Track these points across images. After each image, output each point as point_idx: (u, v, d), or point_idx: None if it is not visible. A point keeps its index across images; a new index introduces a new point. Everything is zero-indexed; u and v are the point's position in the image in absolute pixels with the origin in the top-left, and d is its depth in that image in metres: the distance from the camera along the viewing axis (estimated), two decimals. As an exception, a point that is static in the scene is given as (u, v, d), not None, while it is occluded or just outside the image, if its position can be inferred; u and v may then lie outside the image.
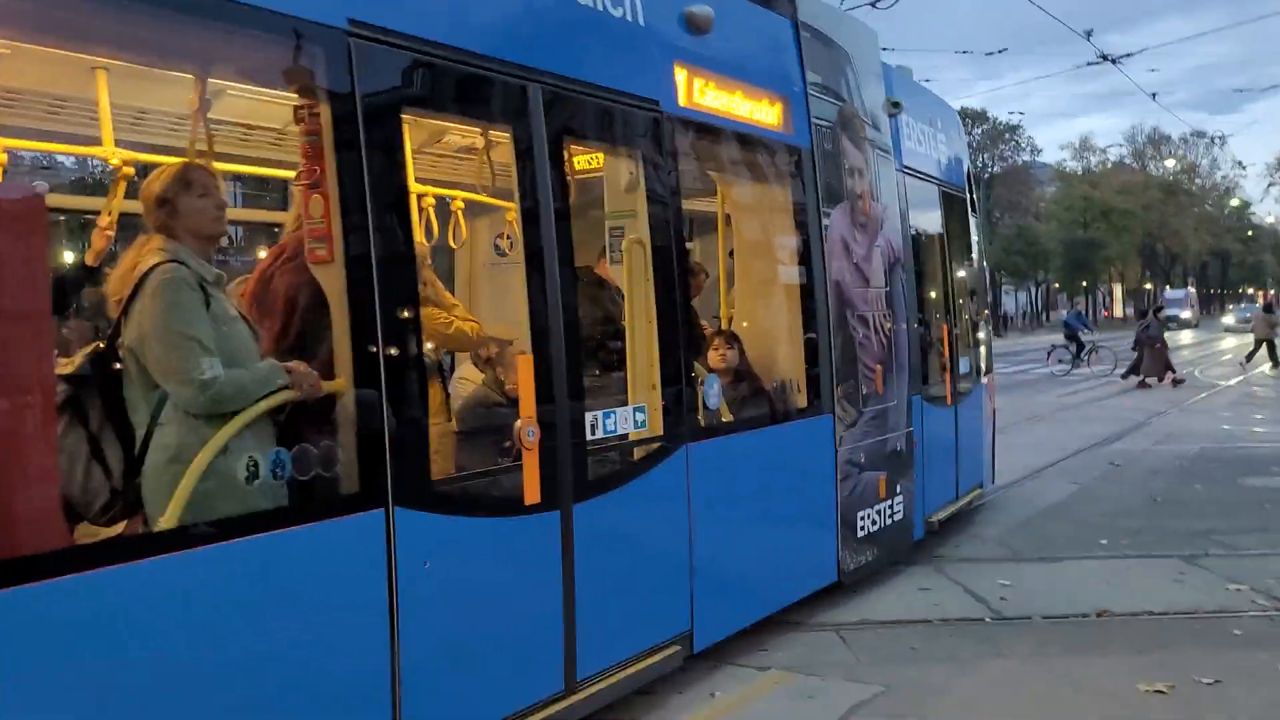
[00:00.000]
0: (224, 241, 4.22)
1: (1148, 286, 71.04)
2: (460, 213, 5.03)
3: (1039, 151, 76.34)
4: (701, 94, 5.37)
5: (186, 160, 3.75)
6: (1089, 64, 17.96)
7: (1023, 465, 11.80)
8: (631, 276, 4.92)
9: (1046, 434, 15.01)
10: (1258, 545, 7.80)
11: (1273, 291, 73.01)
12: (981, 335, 9.34)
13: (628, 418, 4.68)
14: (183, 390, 3.19)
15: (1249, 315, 21.55)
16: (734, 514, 5.39)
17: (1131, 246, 74.04)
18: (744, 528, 5.48)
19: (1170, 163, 77.34)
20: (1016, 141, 73.37)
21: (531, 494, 4.10)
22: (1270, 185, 67.61)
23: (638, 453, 4.78)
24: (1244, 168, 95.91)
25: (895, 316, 7.09)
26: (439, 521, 3.72)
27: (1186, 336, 45.67)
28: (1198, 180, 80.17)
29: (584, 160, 5.61)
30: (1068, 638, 5.79)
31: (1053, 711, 4.75)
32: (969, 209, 9.17)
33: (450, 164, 5.62)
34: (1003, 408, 18.35)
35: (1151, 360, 22.79)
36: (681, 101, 5.20)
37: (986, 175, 68.21)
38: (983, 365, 9.29)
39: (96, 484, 3.23)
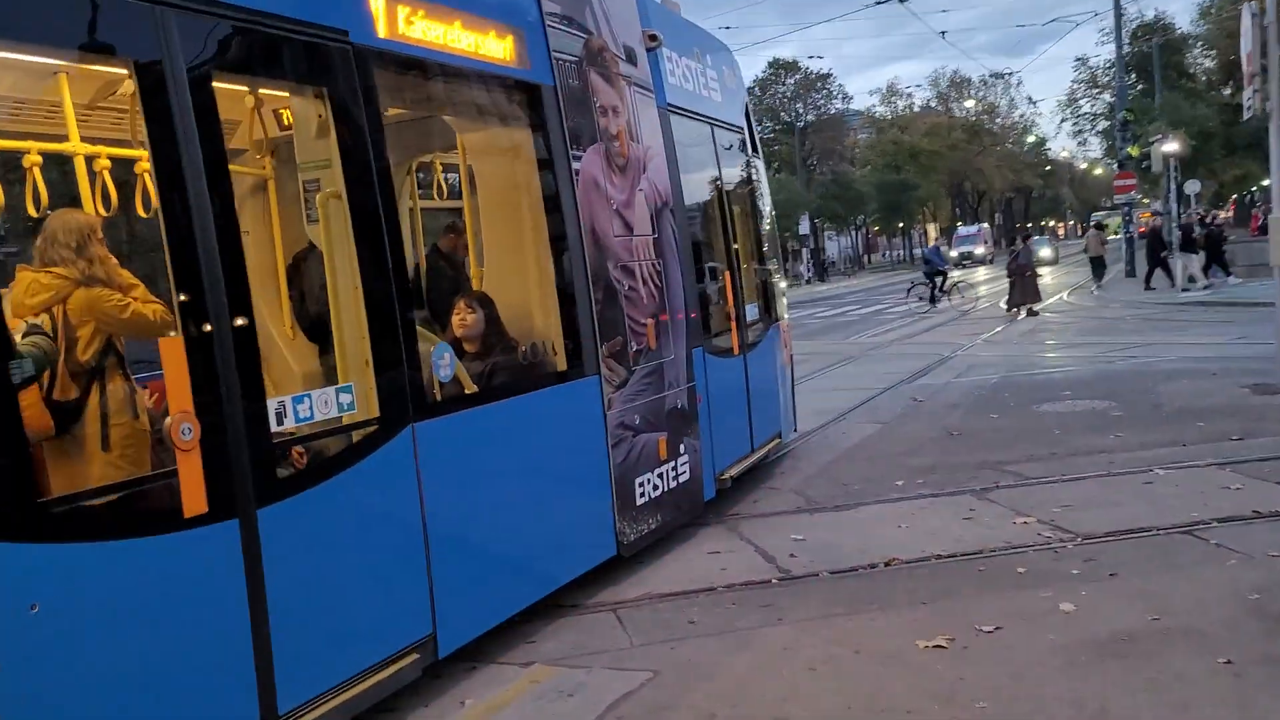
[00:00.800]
0: None
1: (959, 225, 73.45)
2: (107, 173, 4.22)
3: (850, 99, 77.93)
4: (407, 24, 4.69)
5: None
6: (878, 2, 17.86)
7: (830, 408, 11.71)
8: (330, 236, 4.24)
9: (855, 374, 15.06)
10: (1046, 473, 7.75)
11: (1072, 222, 77.19)
12: (771, 280, 9.00)
13: (328, 401, 4.01)
14: None
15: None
16: (482, 496, 4.81)
17: (940, 186, 76.71)
18: (495, 510, 4.91)
19: (970, 104, 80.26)
20: (828, 90, 74.77)
21: (194, 504, 3.39)
22: (1062, 121, 70.82)
23: (344, 440, 4.12)
24: (1035, 104, 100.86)
25: (667, 265, 6.61)
26: (51, 553, 2.98)
27: (982, 273, 47.10)
28: (997, 120, 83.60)
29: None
30: (853, 594, 5.48)
31: (829, 683, 4.38)
32: (749, 148, 8.78)
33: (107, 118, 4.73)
34: (816, 351, 18.72)
35: (1023, 289, 23.24)
36: (381, 33, 4.50)
37: (801, 124, 69.42)
38: (775, 311, 8.96)
39: None
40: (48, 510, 3.13)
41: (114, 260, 4.35)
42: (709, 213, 7.86)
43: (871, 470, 8.40)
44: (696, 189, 7.58)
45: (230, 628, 3.52)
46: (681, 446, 6.61)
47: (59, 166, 4.44)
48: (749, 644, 4.88)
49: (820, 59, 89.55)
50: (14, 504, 2.93)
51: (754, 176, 8.89)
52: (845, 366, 16.23)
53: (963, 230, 67.17)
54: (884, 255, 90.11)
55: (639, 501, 6.07)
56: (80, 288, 4.00)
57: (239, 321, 3.61)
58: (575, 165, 5.76)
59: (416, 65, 4.85)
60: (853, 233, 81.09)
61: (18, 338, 3.58)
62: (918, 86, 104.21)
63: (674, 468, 6.50)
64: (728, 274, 7.78)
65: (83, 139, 4.29)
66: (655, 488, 6.26)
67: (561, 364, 5.58)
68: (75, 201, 4.36)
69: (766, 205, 9.29)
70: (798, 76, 71.79)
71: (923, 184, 71.54)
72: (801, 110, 71.86)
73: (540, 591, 5.22)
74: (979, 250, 59.96)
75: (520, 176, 5.65)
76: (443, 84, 5.23)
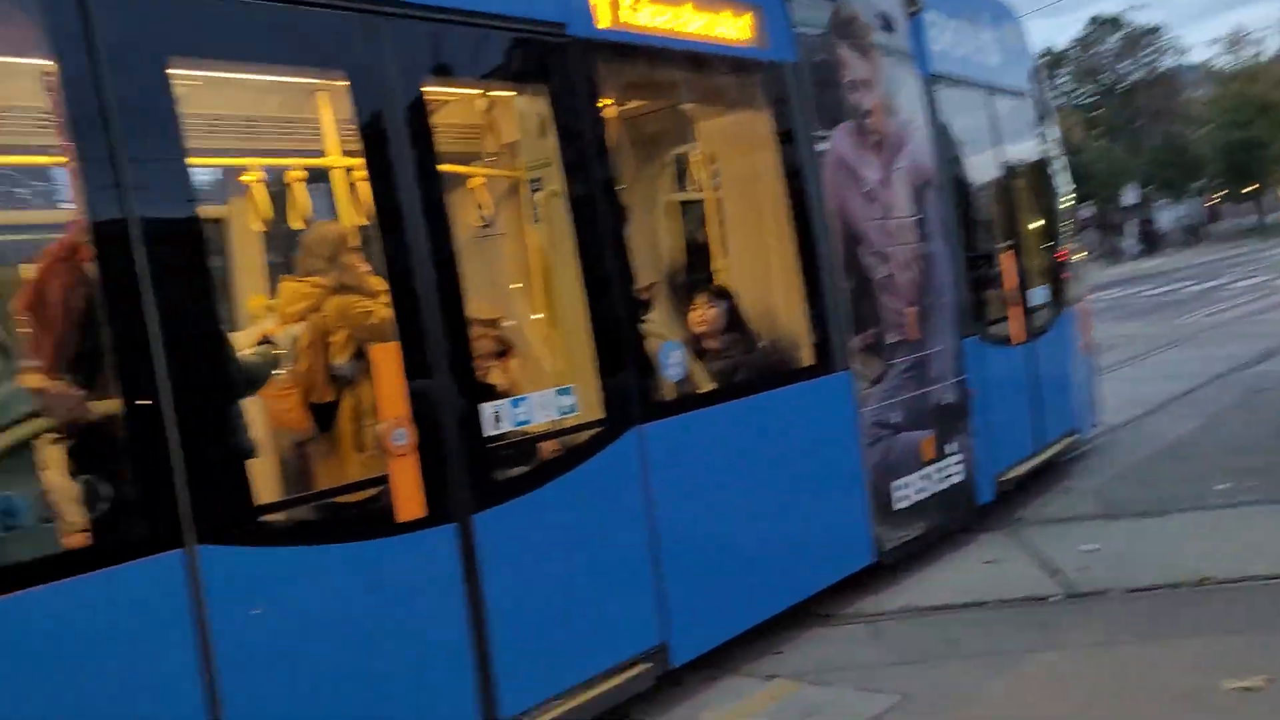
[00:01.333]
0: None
1: None
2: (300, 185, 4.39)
3: (1184, 53, 70.54)
4: (632, 11, 4.53)
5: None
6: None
7: (1145, 399, 10.50)
8: (553, 235, 4.17)
9: (1180, 360, 13.47)
10: None
11: None
12: (1064, 258, 8.13)
13: (548, 403, 3.93)
14: None
15: None
16: (717, 500, 4.59)
17: (1298, 143, 67.99)
18: (733, 515, 4.68)
19: (1336, 46, 70.42)
20: (1158, 45, 68.14)
21: (409, 508, 3.41)
22: None
23: (566, 443, 4.03)
24: None
25: (931, 248, 6.09)
26: (271, 556, 3.07)
27: None
28: (1372, 61, 72.70)
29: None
30: (1148, 618, 4.77)
31: (1104, 723, 3.80)
32: (1037, 115, 7.97)
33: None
34: (1137, 334, 16.99)
35: None
36: (601, 23, 4.38)
37: (1125, 86, 63.67)
38: (1068, 293, 8.09)
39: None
40: (269, 516, 3.23)
41: (365, 268, 4.52)
42: (985, 188, 7.19)
43: (1187, 471, 7.37)
44: (970, 163, 6.95)
45: (449, 632, 3.52)
46: (950, 446, 6.07)
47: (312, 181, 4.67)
48: (1016, 669, 4.35)
49: (1145, 7, 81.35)
50: (241, 509, 3.05)
51: (1043, 146, 8.06)
52: (1170, 351, 14.58)
53: None
54: (1230, 223, 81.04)
55: (899, 505, 5.62)
56: (334, 295, 4.19)
57: (453, 323, 3.61)
58: (821, 146, 5.40)
59: (642, 54, 4.70)
60: (1191, 200, 73.54)
61: (251, 348, 3.77)
62: (1268, 29, 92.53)
63: (941, 469, 5.98)
64: (1009, 255, 7.08)
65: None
66: (919, 490, 5.78)
67: (807, 359, 5.25)
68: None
69: (1061, 176, 8.40)
70: (1122, 33, 65.86)
71: (1275, 141, 63.61)
72: (1127, 69, 65.88)
73: (785, 602, 4.93)
74: None
75: (762, 162, 5.35)
76: (674, 71, 5.04)
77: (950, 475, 6.05)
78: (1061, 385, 7.75)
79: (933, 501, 5.88)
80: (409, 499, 3.39)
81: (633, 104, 5.70)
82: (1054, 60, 66.98)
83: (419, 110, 3.64)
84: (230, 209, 4.83)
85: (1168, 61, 67.94)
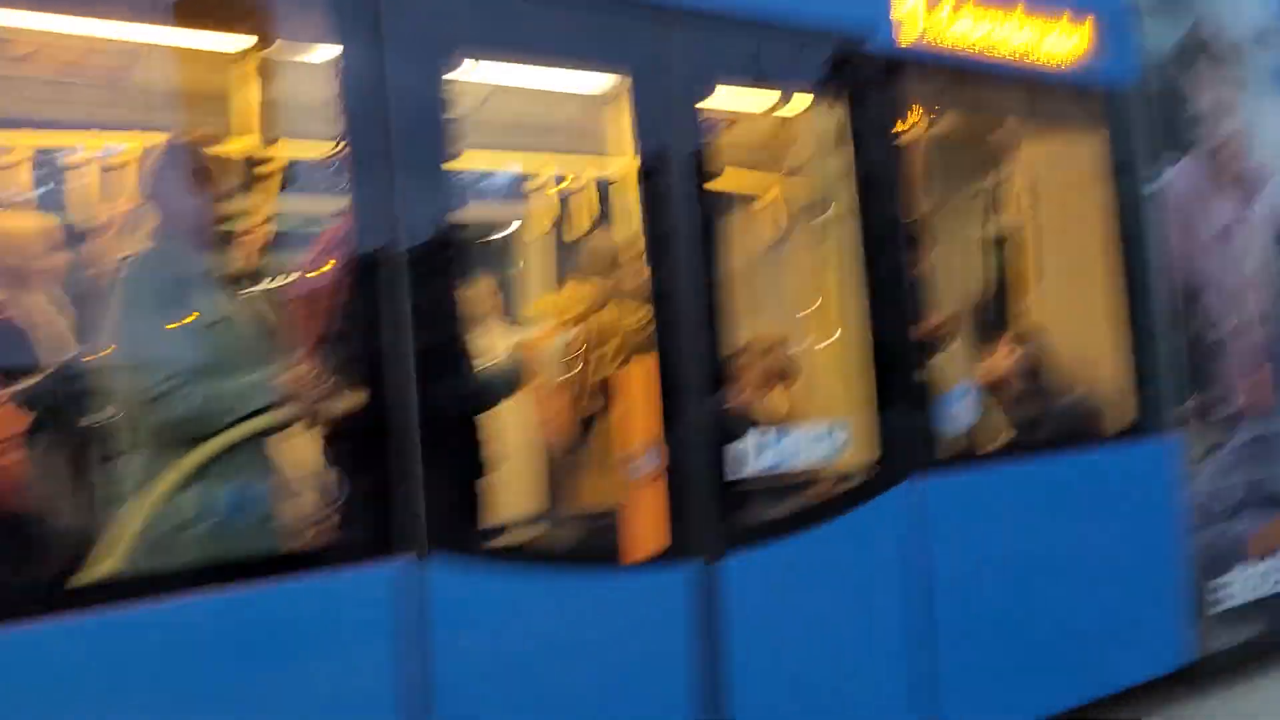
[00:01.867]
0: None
1: None
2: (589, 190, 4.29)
3: None
4: (944, 26, 4.13)
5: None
6: None
7: None
8: (837, 259, 3.85)
9: None
10: None
11: None
12: None
13: (817, 439, 3.59)
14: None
15: None
16: (1002, 570, 4.05)
17: None
18: (1012, 587, 4.10)
19: None
20: None
21: (647, 542, 3.17)
22: None
23: (835, 485, 3.67)
24: None
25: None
26: (499, 574, 2.93)
27: None
28: None
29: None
30: None
31: None
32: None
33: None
34: None
35: None
36: (906, 38, 4.00)
37: None
38: None
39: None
40: (503, 531, 3.11)
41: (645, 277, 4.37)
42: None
43: None
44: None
45: (675, 678, 3.24)
46: (1299, 539, 5.13)
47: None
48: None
49: None
50: (474, 522, 2.94)
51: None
52: None
53: None
54: None
55: (1226, 603, 4.78)
56: (610, 302, 4.08)
57: (721, 344, 3.36)
58: (1162, 180, 4.72)
59: (954, 73, 4.26)
60: None
61: (500, 354, 3.68)
62: None
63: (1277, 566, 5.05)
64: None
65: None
66: (1254, 589, 4.91)
67: (1124, 419, 4.57)
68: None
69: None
70: None
71: None
72: None
73: (1064, 700, 4.26)
74: None
75: (1089, 193, 4.74)
76: (991, 91, 4.55)
77: (1293, 575, 5.11)
78: None
79: (1271, 603, 4.97)
80: (650, 531, 3.15)
81: (941, 126, 5.25)
82: None
83: (703, 119, 3.43)
84: (519, 213, 4.84)
85: None
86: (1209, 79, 5.00)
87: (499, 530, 3.15)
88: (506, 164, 4.71)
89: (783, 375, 4.78)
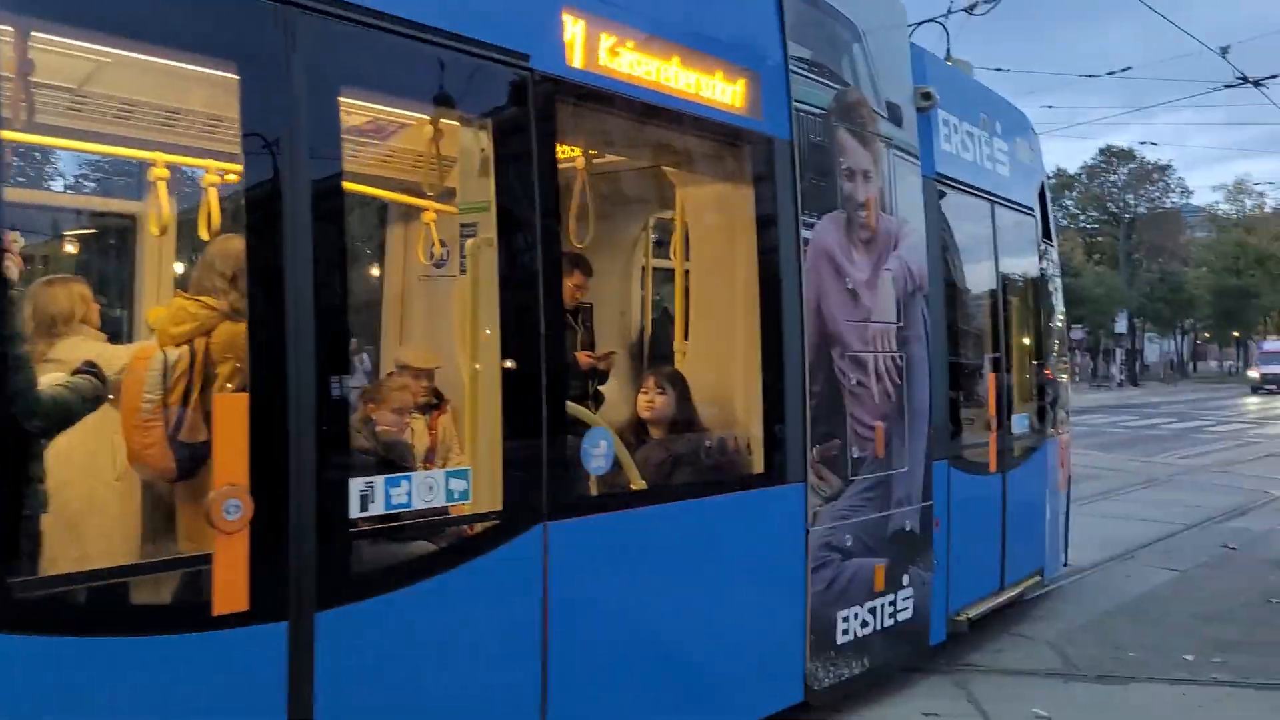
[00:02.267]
0: None
1: (1266, 338, 62.53)
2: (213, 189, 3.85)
3: (1190, 194, 71.10)
4: (610, 54, 4.05)
5: None
6: (1226, 86, 15.67)
7: (1118, 539, 10.01)
8: (476, 288, 3.63)
9: (1156, 501, 12.97)
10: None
11: None
12: (1050, 385, 7.66)
13: (433, 485, 3.35)
14: None
15: None
16: (630, 613, 4.00)
17: (1291, 297, 68.55)
18: (644, 632, 4.08)
19: (1337, 207, 71.20)
20: (1165, 182, 68.77)
21: (229, 599, 2.80)
22: None
23: (452, 534, 3.45)
24: None
25: (911, 359, 5.57)
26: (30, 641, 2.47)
27: None
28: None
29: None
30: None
31: None
32: (1040, 233, 7.54)
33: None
34: (1114, 467, 16.52)
35: None
36: (573, 61, 3.89)
37: (1128, 217, 64.12)
38: (1052, 423, 7.60)
39: None
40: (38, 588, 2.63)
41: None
42: (977, 303, 6.73)
43: (1155, 634, 6.82)
44: (964, 275, 6.49)
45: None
46: (905, 577, 5.51)
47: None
48: None
49: (1155, 145, 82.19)
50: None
51: (1042, 267, 7.63)
52: (1146, 490, 14.10)
53: (1270, 345, 53.11)
54: (1217, 365, 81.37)
55: (840, 640, 5.03)
56: (227, 321, 3.62)
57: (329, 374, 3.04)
58: (806, 234, 4.91)
59: (618, 104, 4.20)
60: (1178, 337, 73.89)
61: (62, 374, 3.18)
62: (1271, 185, 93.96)
63: (892, 602, 5.40)
64: (992, 376, 6.59)
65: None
66: (864, 624, 5.20)
67: (760, 465, 4.70)
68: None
69: (1056, 300, 7.97)
70: (1132, 165, 66.51)
71: (1267, 292, 64.10)
72: (1132, 201, 66.42)
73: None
74: None
75: (738, 241, 4.86)
76: (652, 128, 4.56)
77: (901, 610, 5.48)
78: (1033, 521, 7.23)
79: (878, 638, 5.29)
80: (235, 585, 2.79)
81: (602, 157, 5.22)
82: (1064, 183, 67.64)
83: (334, 127, 3.12)
84: (131, 210, 4.28)
85: (1173, 200, 68.69)
86: (852, 142, 5.27)
87: (47, 582, 2.67)
88: (117, 152, 4.14)
89: (426, 408, 4.53)
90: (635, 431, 4.78)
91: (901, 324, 5.52)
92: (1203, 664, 6.18)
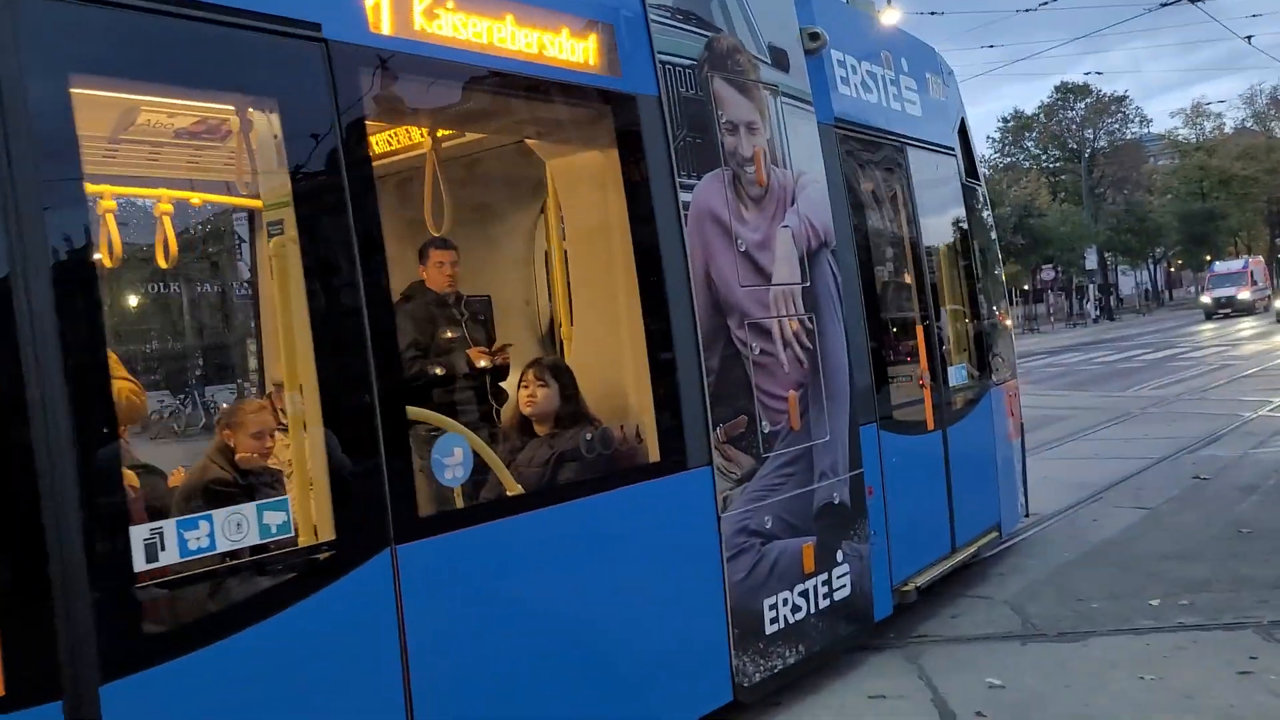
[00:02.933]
0: None
1: (1215, 261, 61.82)
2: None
3: (1149, 122, 70.76)
4: (426, 17, 3.63)
5: None
6: (1163, 5, 15.27)
7: (1086, 481, 9.72)
8: (285, 292, 3.22)
9: (1127, 437, 12.70)
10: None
11: None
12: (991, 332, 7.30)
13: (242, 523, 2.94)
14: None
15: None
16: (510, 637, 3.61)
17: (1259, 215, 68.44)
18: (531, 656, 3.69)
19: (1293, 121, 71.02)
20: (1124, 114, 68.52)
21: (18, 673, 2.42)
22: None
23: (275, 572, 3.04)
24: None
25: (823, 320, 5.19)
26: None
27: (1248, 328, 34.66)
28: (1332, 135, 73.57)
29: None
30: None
31: None
32: (961, 171, 7.16)
33: None
34: (1084, 405, 16.25)
35: None
36: (379, 27, 3.47)
37: (1089, 152, 63.97)
38: (995, 370, 7.24)
39: None
40: None
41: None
42: (898, 253, 6.35)
43: (1121, 580, 6.50)
44: (880, 224, 6.11)
45: None
46: (839, 553, 5.14)
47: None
48: None
49: (1101, 75, 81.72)
50: None
51: (970, 208, 7.25)
52: (1116, 426, 13.81)
53: (1220, 267, 50.14)
54: (1190, 291, 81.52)
55: (769, 629, 4.67)
56: None
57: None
58: (685, 197, 4.51)
59: (448, 73, 3.79)
60: (1151, 267, 73.90)
61: None
62: (1227, 105, 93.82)
63: (826, 581, 5.04)
64: (920, 329, 6.22)
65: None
66: (796, 609, 4.83)
67: (654, 453, 4.31)
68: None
69: (988, 242, 7.60)
70: (1089, 100, 66.32)
71: (1234, 213, 64.09)
72: (1091, 136, 66.25)
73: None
74: (1243, 295, 44.09)
75: (610, 212, 4.45)
76: (498, 98, 4.15)
77: (837, 589, 5.11)
78: (983, 476, 6.87)
79: (813, 622, 4.93)
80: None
81: (459, 136, 4.80)
82: (1023, 124, 67.40)
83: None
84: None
85: (1133, 131, 68.50)
86: (731, 93, 4.86)
87: None
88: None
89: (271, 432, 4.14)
90: (521, 430, 4.39)
91: (808, 283, 5.13)
92: (1169, 608, 5.86)
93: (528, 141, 4.74)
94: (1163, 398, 16.68)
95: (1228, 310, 43.04)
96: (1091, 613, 5.91)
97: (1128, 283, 73.78)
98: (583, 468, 4.24)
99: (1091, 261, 55.07)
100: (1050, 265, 51.24)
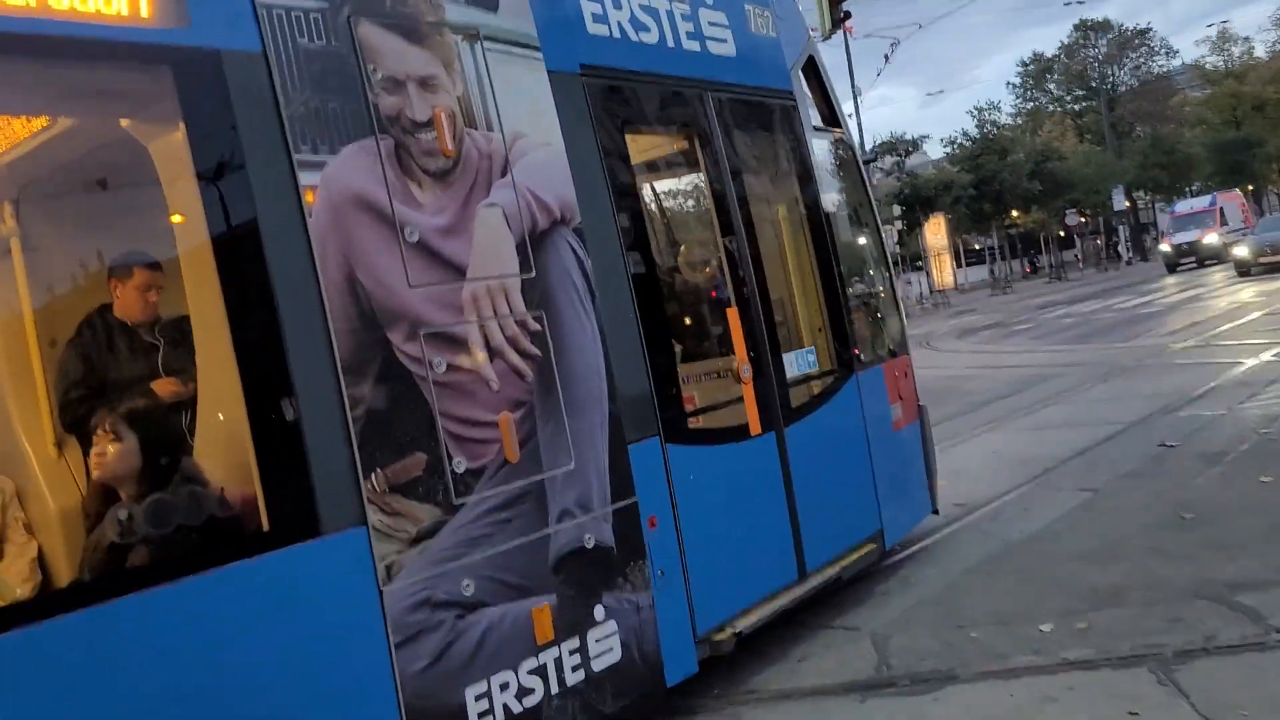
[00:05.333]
0: None
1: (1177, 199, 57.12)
2: None
3: (1175, 53, 67.75)
4: None
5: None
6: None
7: (1039, 456, 8.63)
8: None
9: (1108, 396, 11.43)
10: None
11: None
12: (861, 306, 6.16)
13: None
14: None
15: None
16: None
17: (1295, 140, 65.42)
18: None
19: (1332, 39, 67.56)
20: (1148, 47, 65.70)
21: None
22: None
23: None
24: None
25: (559, 317, 4.12)
26: None
27: (1218, 280, 27.31)
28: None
29: None
30: None
31: None
32: (805, 118, 5.98)
33: None
34: (1080, 361, 14.93)
35: None
36: None
37: (1110, 88, 61.58)
38: (862, 350, 6.09)
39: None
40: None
41: None
42: (696, 225, 5.23)
43: (1017, 595, 5.37)
44: (664, 191, 5.00)
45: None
46: (597, 610, 4.08)
47: None
48: None
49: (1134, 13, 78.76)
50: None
51: (823, 162, 6.08)
52: (1103, 384, 12.50)
53: (1182, 206, 40.54)
54: (1231, 225, 78.23)
55: (499, 711, 3.63)
56: None
57: None
58: (309, 179, 3.45)
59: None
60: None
61: None
62: (1259, 29, 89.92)
63: (577, 649, 3.98)
64: (733, 312, 5.09)
65: None
66: (525, 693, 3.78)
67: (263, 520, 3.26)
68: None
69: (859, 200, 6.44)
70: (1110, 36, 63.81)
71: (1270, 139, 61.27)
72: (1115, 72, 63.75)
73: None
74: (1208, 239, 33.94)
75: (188, 206, 3.41)
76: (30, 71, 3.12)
77: (599, 654, 4.06)
78: (850, 479, 5.74)
79: (559, 704, 3.88)
80: None
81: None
82: (1043, 67, 65.03)
83: None
84: None
85: (1159, 64, 65.73)
86: (391, 41, 3.80)
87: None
88: None
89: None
90: (98, 498, 3.39)
91: (532, 273, 4.06)
92: (1061, 634, 4.75)
93: (122, 122, 3.70)
94: (1162, 347, 15.27)
95: (1191, 260, 33.97)
96: (965, 646, 4.80)
97: (1166, 220, 71.09)
98: (156, 549, 3.21)
99: (1120, 202, 52.71)
100: (1075, 209, 49.15)
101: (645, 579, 4.29)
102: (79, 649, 2.81)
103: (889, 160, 45.00)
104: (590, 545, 4.08)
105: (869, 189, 6.62)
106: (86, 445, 3.51)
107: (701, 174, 5.19)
